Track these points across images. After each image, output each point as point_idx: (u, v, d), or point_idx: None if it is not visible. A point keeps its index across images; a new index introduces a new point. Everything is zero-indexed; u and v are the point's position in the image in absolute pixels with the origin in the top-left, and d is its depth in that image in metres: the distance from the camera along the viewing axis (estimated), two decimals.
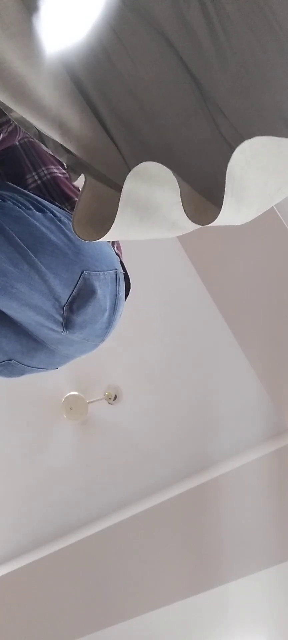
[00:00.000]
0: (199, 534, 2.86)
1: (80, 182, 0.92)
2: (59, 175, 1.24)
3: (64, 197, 1.21)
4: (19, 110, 0.81)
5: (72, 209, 1.19)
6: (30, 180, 1.21)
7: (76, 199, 1.22)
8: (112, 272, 1.18)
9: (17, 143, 1.24)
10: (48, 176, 1.22)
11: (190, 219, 0.72)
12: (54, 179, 1.23)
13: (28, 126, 0.88)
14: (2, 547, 3.16)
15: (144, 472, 2.97)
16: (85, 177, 0.84)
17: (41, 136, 0.90)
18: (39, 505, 3.10)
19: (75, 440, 2.99)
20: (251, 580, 2.75)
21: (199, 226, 0.91)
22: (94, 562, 3.00)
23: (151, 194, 0.75)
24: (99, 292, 1.14)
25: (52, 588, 3.06)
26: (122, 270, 1.23)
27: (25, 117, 0.82)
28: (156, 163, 0.71)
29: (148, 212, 0.78)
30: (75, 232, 0.79)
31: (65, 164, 0.94)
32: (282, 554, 2.72)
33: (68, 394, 2.85)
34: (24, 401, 2.89)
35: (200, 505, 2.83)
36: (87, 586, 3.01)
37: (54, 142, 0.88)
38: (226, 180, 0.68)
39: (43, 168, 1.23)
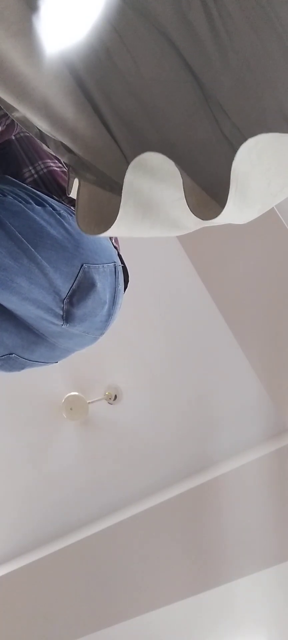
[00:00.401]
0: (199, 534, 2.86)
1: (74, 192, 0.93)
2: (56, 169, 1.25)
3: (61, 190, 1.21)
4: (21, 109, 0.81)
5: (70, 202, 1.19)
6: (27, 174, 1.21)
7: None
8: (111, 264, 1.19)
9: (13, 137, 1.24)
10: (45, 170, 1.23)
11: (192, 211, 0.72)
12: (51, 172, 1.23)
13: (29, 126, 0.88)
14: (2, 547, 3.16)
15: (144, 472, 2.97)
16: (79, 182, 0.84)
17: (42, 136, 0.90)
18: (39, 505, 3.09)
19: (76, 441, 2.99)
20: (251, 580, 2.75)
21: (200, 226, 0.91)
22: (94, 562, 2.99)
23: (153, 188, 0.75)
24: (99, 285, 1.14)
25: (52, 588, 3.06)
26: (120, 263, 1.24)
27: (27, 116, 0.82)
28: (158, 154, 0.70)
29: (150, 209, 0.78)
30: (81, 229, 0.79)
31: (65, 164, 0.94)
32: (282, 554, 2.72)
33: (68, 394, 2.85)
34: (24, 401, 2.89)
35: (200, 505, 2.83)
36: (87, 586, 3.01)
37: (55, 141, 0.88)
38: (231, 178, 0.68)
39: (39, 162, 1.23)
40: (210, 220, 0.74)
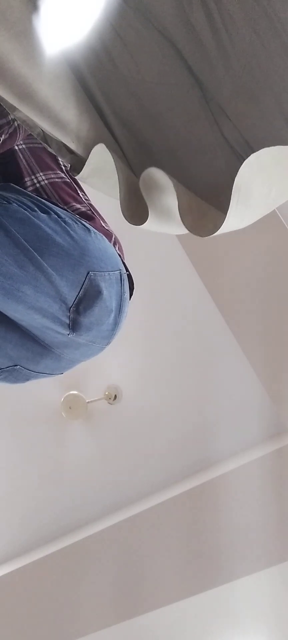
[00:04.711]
0: (199, 534, 2.86)
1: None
2: (57, 180, 1.24)
3: (62, 202, 1.20)
4: (23, 110, 0.81)
5: (73, 211, 1.19)
6: (28, 183, 1.21)
7: (74, 203, 1.22)
8: (117, 272, 1.18)
9: (16, 147, 1.23)
10: (46, 181, 1.22)
11: (189, 230, 0.72)
12: (52, 184, 1.22)
13: (32, 126, 0.88)
14: (2, 547, 3.16)
15: (144, 472, 2.97)
16: (117, 170, 0.83)
17: (45, 136, 0.90)
18: (39, 506, 3.09)
19: (75, 440, 2.99)
20: (251, 580, 2.75)
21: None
22: (94, 563, 3.00)
23: (160, 196, 0.76)
24: (105, 292, 1.13)
25: (51, 588, 3.06)
26: (125, 271, 1.23)
27: (29, 116, 0.82)
28: (159, 171, 0.71)
29: (163, 211, 0.79)
30: (128, 220, 0.79)
31: (68, 165, 0.94)
32: (282, 554, 2.72)
33: (67, 393, 2.85)
34: (23, 400, 2.89)
35: (200, 505, 2.83)
36: (86, 586, 3.01)
37: (58, 142, 0.88)
38: (232, 193, 0.68)
39: (41, 173, 1.23)
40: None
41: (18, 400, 2.89)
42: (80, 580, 3.02)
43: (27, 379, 1.25)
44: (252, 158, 0.68)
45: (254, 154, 0.68)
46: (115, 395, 2.86)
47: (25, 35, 0.76)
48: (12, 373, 1.21)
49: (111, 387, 2.85)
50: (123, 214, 0.80)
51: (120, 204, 0.79)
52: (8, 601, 3.10)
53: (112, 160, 0.79)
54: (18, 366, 1.19)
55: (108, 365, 2.81)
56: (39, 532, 3.13)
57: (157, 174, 0.72)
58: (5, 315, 1.11)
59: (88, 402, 2.87)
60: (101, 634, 2.97)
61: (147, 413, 2.90)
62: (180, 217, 0.72)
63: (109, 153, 0.80)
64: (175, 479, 2.94)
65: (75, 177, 0.89)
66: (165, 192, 0.75)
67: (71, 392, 2.85)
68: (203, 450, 2.90)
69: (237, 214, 0.75)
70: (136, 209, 0.79)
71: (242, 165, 0.67)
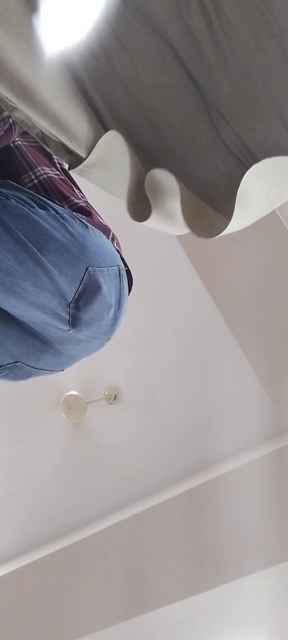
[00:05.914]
0: (199, 534, 2.86)
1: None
2: (54, 176, 1.24)
3: (61, 197, 1.21)
4: (22, 108, 0.81)
5: (69, 207, 1.19)
6: (26, 180, 1.21)
7: (72, 198, 1.22)
8: (116, 268, 1.18)
9: (12, 144, 1.23)
10: (44, 176, 1.22)
11: (188, 226, 0.73)
12: (50, 179, 1.23)
13: (30, 125, 0.88)
14: (2, 547, 3.16)
15: (144, 472, 2.97)
16: (130, 160, 0.83)
17: (43, 136, 0.90)
18: (39, 506, 3.10)
19: (75, 440, 3.00)
20: (251, 580, 2.75)
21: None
22: (94, 563, 3.00)
23: (163, 196, 0.76)
24: (104, 288, 1.14)
25: (51, 588, 3.06)
26: (124, 267, 1.23)
27: (28, 115, 0.83)
28: (161, 170, 0.71)
29: (165, 209, 0.79)
30: (131, 213, 0.78)
31: (67, 165, 0.94)
32: (282, 554, 2.72)
33: (67, 394, 2.85)
34: (23, 400, 2.90)
35: (200, 505, 2.83)
36: (86, 586, 3.01)
37: (56, 142, 0.88)
38: (236, 203, 0.68)
39: (39, 168, 1.23)
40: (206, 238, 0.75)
41: (18, 400, 2.89)
42: (81, 580, 3.02)
43: (28, 376, 1.26)
44: (253, 168, 0.68)
45: (256, 164, 0.68)
46: (115, 395, 2.86)
47: (24, 37, 0.76)
48: (13, 370, 1.21)
49: (111, 387, 2.86)
50: (128, 205, 0.79)
51: (127, 195, 0.79)
52: (8, 601, 3.10)
53: (121, 145, 0.79)
54: (19, 363, 1.19)
55: (108, 365, 2.81)
56: (39, 532, 3.13)
57: (163, 177, 0.73)
58: (6, 312, 1.11)
59: (88, 402, 2.87)
60: (101, 634, 2.97)
61: (147, 413, 2.90)
62: (182, 212, 0.73)
63: (120, 136, 0.80)
64: (175, 479, 2.94)
65: (79, 167, 0.88)
66: (170, 195, 0.75)
67: (71, 392, 2.85)
68: (203, 450, 2.90)
69: (237, 216, 0.75)
70: (139, 205, 0.79)
71: (244, 176, 0.68)
